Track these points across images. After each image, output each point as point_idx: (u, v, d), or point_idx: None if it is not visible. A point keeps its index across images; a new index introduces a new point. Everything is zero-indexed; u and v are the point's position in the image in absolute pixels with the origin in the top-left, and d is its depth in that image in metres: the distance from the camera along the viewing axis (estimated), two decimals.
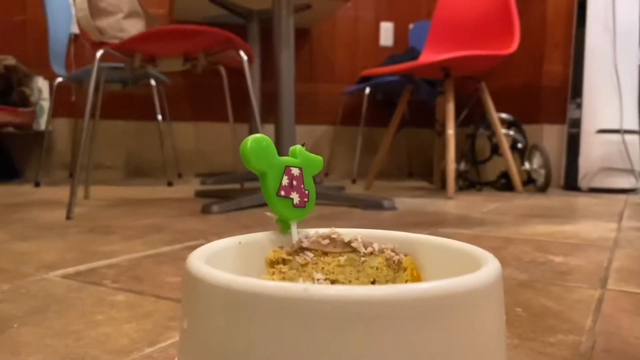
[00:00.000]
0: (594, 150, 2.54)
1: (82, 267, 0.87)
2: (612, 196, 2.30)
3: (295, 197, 0.33)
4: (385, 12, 3.39)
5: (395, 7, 3.39)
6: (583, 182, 2.57)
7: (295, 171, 0.33)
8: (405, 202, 1.86)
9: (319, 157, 0.35)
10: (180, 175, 3.02)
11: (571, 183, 2.63)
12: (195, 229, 1.27)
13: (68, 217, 1.39)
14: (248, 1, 2.54)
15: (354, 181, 2.82)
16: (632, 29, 2.52)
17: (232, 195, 1.76)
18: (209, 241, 1.16)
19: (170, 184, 2.51)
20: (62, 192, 2.02)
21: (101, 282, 0.78)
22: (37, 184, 2.40)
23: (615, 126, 2.50)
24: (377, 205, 1.67)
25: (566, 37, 2.63)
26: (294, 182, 0.33)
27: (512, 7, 2.13)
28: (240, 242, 0.32)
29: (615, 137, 2.49)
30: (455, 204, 1.90)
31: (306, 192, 0.34)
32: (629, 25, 2.52)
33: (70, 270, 0.85)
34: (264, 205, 1.69)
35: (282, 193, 0.32)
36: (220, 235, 1.18)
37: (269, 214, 0.34)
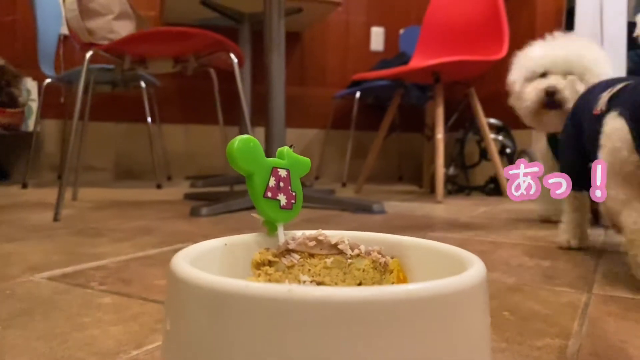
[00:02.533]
0: None
1: (68, 269, 0.86)
2: None
3: (282, 198, 0.33)
4: (376, 17, 3.40)
5: (386, 12, 3.40)
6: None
7: (282, 172, 0.33)
8: (395, 206, 1.86)
9: (307, 159, 0.35)
10: (169, 178, 3.01)
11: None
12: (184, 231, 1.27)
13: (56, 219, 1.38)
14: (239, 4, 2.54)
15: (344, 185, 2.82)
16: (620, 35, 2.55)
17: (221, 198, 1.76)
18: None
19: (159, 186, 2.50)
20: (50, 194, 2.00)
21: (88, 284, 0.77)
22: (24, 186, 2.38)
23: None
24: (366, 209, 1.67)
25: None
26: (281, 184, 0.33)
27: (501, 13, 2.15)
28: (226, 244, 0.32)
29: None
30: (444, 208, 1.91)
31: (293, 193, 0.34)
32: (617, 31, 2.54)
33: (57, 272, 0.84)
34: (253, 208, 1.68)
35: (269, 194, 0.32)
36: (209, 238, 1.18)
37: (255, 215, 0.33)
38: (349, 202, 1.80)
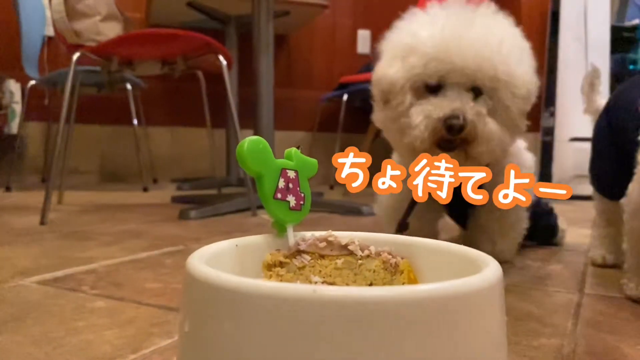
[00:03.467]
0: (567, 158, 2.59)
1: (59, 273, 0.85)
2: (586, 203, 2.34)
3: (291, 200, 0.33)
4: (362, 20, 3.41)
5: (372, 15, 3.41)
6: None
7: (291, 174, 0.33)
8: None
9: (314, 160, 0.35)
10: (155, 181, 2.98)
11: None
12: (173, 234, 1.26)
13: (42, 223, 1.36)
14: (226, 6, 2.53)
15: (332, 187, 2.82)
16: (603, 38, 2.59)
17: (209, 200, 1.75)
18: (187, 247, 1.15)
19: (146, 189, 2.48)
20: (34, 197, 1.97)
21: (80, 288, 0.76)
22: (8, 189, 2.34)
23: (588, 134, 2.53)
24: (356, 211, 1.67)
25: (539, 47, 2.69)
26: (290, 185, 0.33)
27: None
28: (237, 245, 0.32)
29: (588, 145, 2.54)
30: None
31: (302, 194, 0.33)
32: (600, 35, 2.58)
33: (47, 276, 0.83)
34: (241, 211, 1.68)
35: (279, 196, 0.32)
36: (199, 241, 1.17)
37: (265, 216, 0.33)
38: (338, 204, 1.80)
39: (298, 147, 0.34)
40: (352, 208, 1.70)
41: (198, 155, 3.06)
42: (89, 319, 0.63)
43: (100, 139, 2.99)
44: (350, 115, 3.07)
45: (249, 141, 0.30)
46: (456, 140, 0.80)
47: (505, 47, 0.81)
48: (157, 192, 2.39)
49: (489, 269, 0.25)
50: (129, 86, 2.54)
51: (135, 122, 2.65)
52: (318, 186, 2.89)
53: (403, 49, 0.83)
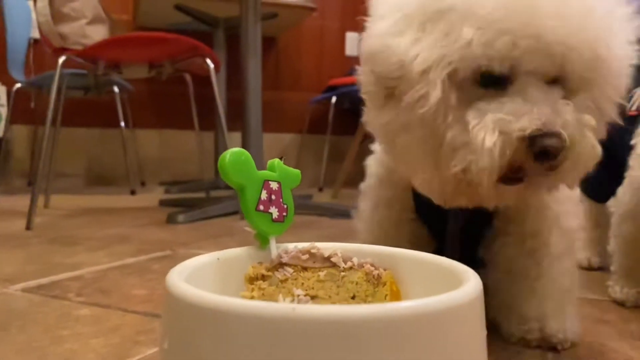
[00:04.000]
0: None
1: (44, 280, 0.84)
2: None
3: (274, 211, 0.33)
4: (350, 22, 3.41)
5: (360, 17, 3.41)
6: None
7: (274, 185, 0.33)
8: None
9: (297, 171, 0.35)
10: (143, 184, 2.97)
11: None
12: (161, 239, 1.25)
13: (28, 228, 1.34)
14: (213, 9, 2.52)
15: (320, 189, 2.82)
16: None
17: (197, 204, 1.74)
18: (175, 252, 1.14)
19: (133, 192, 2.46)
20: (20, 201, 1.95)
21: (65, 296, 0.76)
22: None
23: None
24: (345, 214, 1.67)
25: None
26: (273, 197, 0.33)
27: None
28: (218, 259, 0.32)
29: None
30: None
31: (285, 206, 0.33)
32: None
33: (32, 283, 0.82)
34: (230, 214, 1.67)
35: (261, 208, 0.32)
36: (187, 245, 1.17)
37: (247, 228, 0.33)
38: (326, 207, 1.81)
39: (281, 158, 0.34)
40: (341, 211, 1.70)
41: (186, 158, 3.05)
42: (74, 328, 0.63)
43: (87, 142, 2.96)
44: (339, 118, 3.07)
45: (230, 153, 0.30)
46: (535, 169, 0.48)
47: (613, 15, 0.50)
48: (145, 196, 2.38)
49: (469, 284, 0.25)
50: (116, 89, 2.53)
51: (122, 124, 2.63)
52: (307, 189, 2.88)
53: (435, 10, 0.48)
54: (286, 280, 0.32)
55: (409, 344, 0.21)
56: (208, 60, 1.63)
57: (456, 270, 0.29)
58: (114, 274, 0.90)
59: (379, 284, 0.32)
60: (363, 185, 0.71)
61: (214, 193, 2.18)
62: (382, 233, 0.67)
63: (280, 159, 0.34)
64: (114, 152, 2.87)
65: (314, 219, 1.62)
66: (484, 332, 0.26)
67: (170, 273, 0.27)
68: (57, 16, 1.51)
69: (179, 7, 2.39)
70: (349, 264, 0.33)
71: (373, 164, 0.70)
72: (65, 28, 1.54)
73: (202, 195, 2.19)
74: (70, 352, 0.55)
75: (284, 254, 0.33)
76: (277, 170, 0.34)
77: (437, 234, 0.66)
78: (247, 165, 0.31)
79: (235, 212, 1.63)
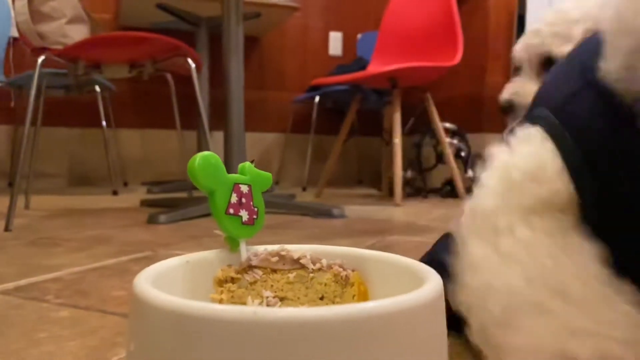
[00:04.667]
0: None
1: (22, 282, 0.84)
2: None
3: (244, 214, 0.33)
4: (334, 22, 3.43)
5: (344, 17, 3.43)
6: None
7: (244, 188, 0.33)
8: (355, 210, 1.88)
9: (268, 174, 0.35)
10: (125, 184, 2.95)
11: None
12: (142, 240, 1.25)
13: (7, 229, 1.33)
14: (196, 8, 2.51)
15: (304, 189, 2.83)
16: None
17: (179, 204, 1.74)
18: (156, 253, 1.13)
19: (115, 192, 2.45)
20: (0, 202, 1.94)
21: (44, 298, 0.76)
22: None
23: None
24: (327, 214, 1.68)
25: (507, 49, 2.73)
26: (243, 200, 0.33)
27: (455, 21, 2.20)
28: (187, 262, 0.32)
29: None
30: (403, 210, 1.94)
31: (255, 209, 0.34)
32: None
33: (10, 285, 0.82)
34: (212, 214, 1.67)
35: (231, 211, 0.32)
36: (168, 246, 1.16)
37: (217, 232, 0.34)
38: (309, 207, 1.81)
39: (252, 162, 0.35)
40: (323, 210, 1.71)
41: (168, 158, 3.04)
42: (51, 330, 0.63)
43: (68, 141, 2.94)
44: (323, 117, 3.08)
45: (200, 157, 0.31)
46: None
47: None
48: (127, 196, 2.36)
49: (429, 284, 0.26)
50: (97, 88, 2.51)
51: (104, 124, 2.62)
52: (290, 188, 2.89)
53: None
54: (255, 282, 0.32)
55: (367, 344, 0.22)
56: (189, 60, 1.62)
57: (418, 270, 0.30)
58: (94, 276, 0.89)
59: (347, 285, 0.33)
60: None
61: (196, 193, 2.18)
62: None
63: (251, 162, 0.34)
64: (96, 152, 2.86)
65: (297, 219, 1.62)
66: (444, 332, 0.27)
67: (138, 276, 0.27)
68: (36, 15, 1.50)
69: (161, 6, 2.38)
70: (318, 265, 0.33)
71: None
72: (45, 27, 1.52)
73: (184, 195, 2.19)
74: (47, 355, 0.55)
75: (253, 257, 0.33)
76: (248, 173, 0.34)
77: None
78: (217, 168, 0.32)
79: None
